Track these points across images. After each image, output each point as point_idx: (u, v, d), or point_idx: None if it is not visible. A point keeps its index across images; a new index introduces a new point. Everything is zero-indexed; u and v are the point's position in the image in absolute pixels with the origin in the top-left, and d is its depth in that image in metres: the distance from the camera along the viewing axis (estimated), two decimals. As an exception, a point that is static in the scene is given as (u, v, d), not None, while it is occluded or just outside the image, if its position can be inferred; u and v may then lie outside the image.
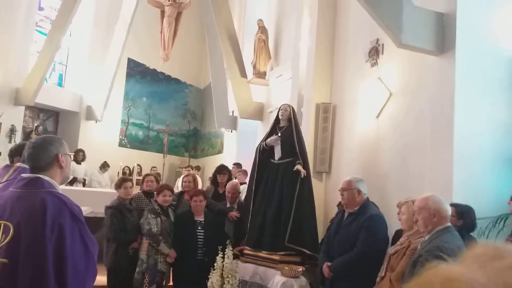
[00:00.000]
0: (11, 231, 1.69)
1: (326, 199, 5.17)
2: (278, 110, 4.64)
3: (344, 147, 5.05)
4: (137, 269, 4.13)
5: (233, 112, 9.44)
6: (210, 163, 10.95)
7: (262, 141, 4.55)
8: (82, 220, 1.79)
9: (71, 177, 8.14)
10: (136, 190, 5.18)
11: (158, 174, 8.96)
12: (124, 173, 9.29)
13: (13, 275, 1.67)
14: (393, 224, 3.42)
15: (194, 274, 4.03)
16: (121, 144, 11.10)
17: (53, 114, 10.31)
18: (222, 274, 3.73)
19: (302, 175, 4.16)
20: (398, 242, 2.80)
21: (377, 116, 4.51)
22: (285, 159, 4.32)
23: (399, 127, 4.22)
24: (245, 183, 5.69)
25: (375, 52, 4.64)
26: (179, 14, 9.85)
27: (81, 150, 9.09)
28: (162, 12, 9.80)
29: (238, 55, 8.57)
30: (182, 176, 6.37)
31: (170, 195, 4.41)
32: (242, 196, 4.98)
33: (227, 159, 9.17)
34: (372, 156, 4.56)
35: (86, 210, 5.47)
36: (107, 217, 4.33)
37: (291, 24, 7.20)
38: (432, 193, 2.51)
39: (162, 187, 4.47)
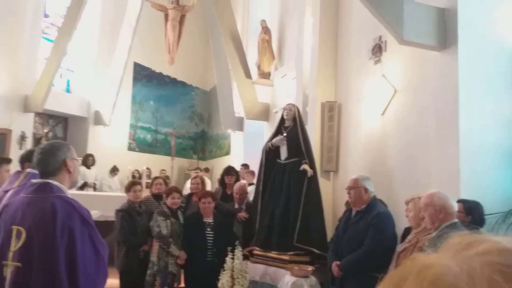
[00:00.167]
0: (23, 235, 1.73)
1: (334, 198, 5.17)
2: (283, 110, 4.65)
3: (350, 145, 5.05)
4: (148, 271, 4.18)
5: (239, 113, 9.47)
6: (218, 165, 10.99)
7: (268, 141, 4.57)
8: (91, 224, 1.83)
9: (80, 182, 8.24)
10: (145, 193, 5.23)
11: (167, 177, 9.03)
12: (133, 176, 9.36)
13: (27, 279, 1.71)
14: (402, 221, 3.42)
15: (204, 275, 4.06)
16: (130, 148, 11.19)
17: (62, 120, 10.43)
18: (232, 275, 3.75)
19: (309, 174, 4.17)
20: (406, 240, 2.81)
21: (382, 113, 4.50)
22: (291, 159, 4.33)
23: (404, 123, 4.22)
24: (253, 183, 5.71)
25: (378, 49, 4.64)
26: (182, 17, 9.91)
27: (91, 155, 9.18)
28: (166, 16, 9.87)
29: (242, 56, 8.60)
30: (190, 178, 6.41)
31: (179, 197, 4.46)
32: (250, 196, 5.00)
33: (234, 160, 9.21)
34: (378, 153, 4.56)
35: (96, 214, 5.54)
36: (117, 220, 4.39)
37: (294, 24, 7.22)
38: (437, 189, 2.51)
39: (170, 190, 4.52)
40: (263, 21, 8.30)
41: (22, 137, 8.68)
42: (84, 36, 10.35)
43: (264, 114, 8.60)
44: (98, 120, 10.34)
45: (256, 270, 4.11)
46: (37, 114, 9.38)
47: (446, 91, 3.54)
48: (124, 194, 5.10)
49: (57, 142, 2.01)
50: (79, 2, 8.52)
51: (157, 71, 11.73)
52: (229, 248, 3.82)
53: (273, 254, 4.15)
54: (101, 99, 10.30)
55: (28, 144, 8.77)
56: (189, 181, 6.86)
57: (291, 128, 4.45)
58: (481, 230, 2.86)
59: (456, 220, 2.38)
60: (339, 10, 5.50)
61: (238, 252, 3.82)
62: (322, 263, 3.93)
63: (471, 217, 2.83)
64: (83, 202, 1.94)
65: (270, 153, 4.49)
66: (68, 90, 10.44)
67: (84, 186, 8.56)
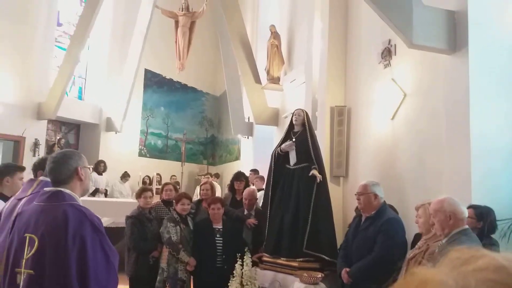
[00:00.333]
0: (36, 243, 1.76)
1: (344, 203, 5.14)
2: (291, 115, 4.65)
3: (360, 150, 5.03)
4: (158, 277, 4.19)
5: (248, 118, 9.50)
6: (228, 170, 11.01)
7: (277, 147, 4.57)
8: (102, 231, 1.86)
9: (92, 188, 8.34)
10: (155, 199, 5.27)
11: (177, 183, 9.08)
12: (144, 182, 9.44)
13: (39, 286, 1.74)
14: (413, 226, 3.38)
15: (213, 282, 4.07)
16: (140, 154, 11.29)
17: (74, 127, 10.59)
18: (241, 281, 3.75)
19: (318, 180, 4.15)
20: (416, 246, 2.78)
21: (392, 118, 4.48)
22: (300, 164, 4.32)
23: (414, 127, 4.18)
24: (263, 189, 5.71)
25: (387, 53, 4.62)
26: (192, 24, 10.02)
27: (102, 161, 9.29)
28: (176, 23, 9.98)
29: (252, 62, 8.64)
30: (200, 184, 6.45)
31: (189, 203, 4.47)
32: (260, 202, 5.00)
33: (244, 165, 9.22)
34: (388, 158, 4.53)
35: (107, 221, 5.60)
36: (128, 226, 4.43)
37: (303, 29, 7.23)
38: (448, 194, 2.49)
39: (180, 196, 4.54)
40: (272, 26, 8.33)
41: (36, 144, 8.84)
42: (96, 44, 10.51)
43: (274, 119, 8.61)
44: (109, 126, 10.47)
45: (265, 276, 4.10)
46: (50, 121, 9.55)
47: (457, 94, 3.50)
48: (135, 200, 5.14)
49: (68, 150, 2.05)
50: (91, 11, 8.67)
51: (168, 77, 11.84)
52: (238, 255, 3.82)
53: (282, 260, 4.13)
54: (112, 106, 10.43)
55: (41, 151, 8.93)
56: (199, 186, 6.90)
57: (300, 133, 4.45)
58: (492, 236, 2.82)
59: (466, 226, 2.35)
60: (348, 15, 5.50)
61: (247, 258, 3.82)
62: (332, 269, 3.91)
63: (483, 223, 2.79)
64: (95, 208, 1.98)
65: (279, 158, 4.48)
66: (80, 97, 10.60)
67: (95, 192, 8.66)
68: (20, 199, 2.22)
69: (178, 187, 7.11)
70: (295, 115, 4.55)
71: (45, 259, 1.75)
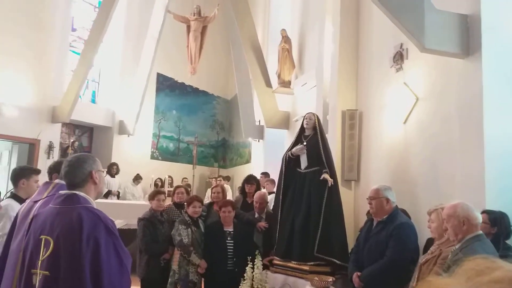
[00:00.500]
0: (51, 245, 1.80)
1: (355, 207, 5.12)
2: (302, 119, 4.65)
3: (372, 154, 5.00)
4: (169, 279, 4.23)
5: (259, 121, 9.52)
6: (239, 173, 11.05)
7: (287, 150, 4.57)
8: (116, 234, 1.88)
9: (105, 190, 8.43)
10: (167, 201, 5.31)
11: (188, 185, 9.13)
12: (156, 185, 9.52)
13: (54, 287, 1.77)
14: (426, 230, 3.35)
15: (224, 285, 4.08)
16: (152, 157, 11.39)
17: (88, 130, 10.74)
18: (252, 284, 3.76)
19: (329, 183, 4.14)
20: (429, 251, 2.75)
21: (404, 122, 4.45)
22: (311, 168, 4.32)
23: (427, 132, 4.15)
24: (274, 192, 5.71)
25: (399, 57, 4.60)
26: (204, 28, 10.10)
27: (115, 164, 9.40)
28: (188, 27, 10.08)
29: (263, 65, 8.67)
30: (211, 187, 6.47)
31: (200, 206, 4.50)
32: (270, 205, 5.00)
33: (255, 168, 9.24)
34: (401, 162, 4.50)
35: (121, 224, 5.67)
36: (140, 228, 4.47)
37: (314, 33, 7.24)
38: (461, 198, 2.46)
39: (192, 199, 4.58)
40: (283, 30, 8.36)
41: (50, 147, 8.99)
42: (109, 49, 10.67)
43: (285, 122, 8.62)
44: (122, 129, 10.59)
45: (276, 280, 4.10)
46: (64, 124, 9.70)
47: (470, 98, 3.47)
48: (147, 203, 5.19)
49: (83, 154, 2.08)
50: (104, 16, 8.81)
51: (180, 81, 11.95)
52: (249, 258, 3.83)
53: (293, 264, 4.13)
54: (125, 109, 10.56)
55: (55, 154, 9.07)
56: (210, 189, 6.94)
57: (311, 137, 4.44)
58: (507, 242, 2.78)
59: (480, 232, 2.32)
60: (359, 18, 5.49)
61: (258, 261, 3.82)
62: (343, 273, 3.89)
63: (497, 229, 2.75)
64: (107, 210, 2.01)
65: (290, 162, 4.48)
66: (93, 101, 10.75)
67: (108, 194, 8.75)
68: (36, 202, 2.27)
69: (189, 189, 7.15)
70: (306, 118, 4.55)
71: (60, 260, 1.78)
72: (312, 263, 4.04)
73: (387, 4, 3.53)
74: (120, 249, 1.86)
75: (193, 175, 10.25)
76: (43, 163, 8.18)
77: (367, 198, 3.50)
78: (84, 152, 9.57)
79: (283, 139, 8.53)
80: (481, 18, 3.43)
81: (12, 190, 3.36)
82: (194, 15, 10.02)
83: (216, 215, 4.61)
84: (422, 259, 2.76)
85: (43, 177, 3.15)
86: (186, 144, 12.09)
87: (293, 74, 8.37)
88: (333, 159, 4.50)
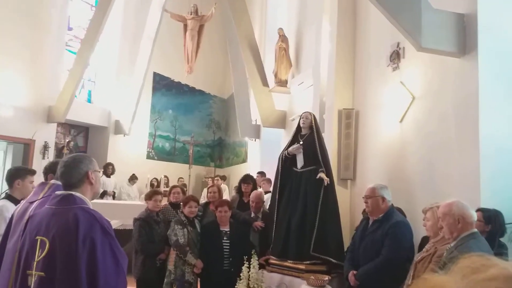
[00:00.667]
0: (47, 245, 1.79)
1: (351, 206, 5.13)
2: (299, 118, 4.66)
3: (368, 153, 5.01)
4: (165, 280, 4.22)
5: (256, 121, 9.52)
6: (235, 172, 11.05)
7: (284, 149, 4.58)
8: (112, 234, 1.88)
9: (100, 191, 8.41)
10: (163, 201, 5.30)
11: (184, 185, 9.12)
12: (152, 185, 9.50)
13: None
14: (421, 230, 3.36)
15: (220, 284, 4.08)
16: (148, 157, 11.37)
17: (83, 130, 10.70)
18: (248, 284, 3.75)
19: (326, 183, 4.15)
20: (424, 249, 2.76)
21: (401, 121, 4.46)
22: (307, 167, 4.32)
23: (423, 130, 4.16)
24: (270, 191, 5.72)
25: (396, 56, 4.61)
26: (201, 27, 10.08)
27: (110, 164, 9.37)
28: (185, 26, 10.06)
29: (260, 65, 8.66)
30: (207, 187, 6.47)
31: (196, 206, 4.50)
32: (267, 205, 5.01)
33: (251, 168, 9.24)
34: (397, 161, 4.51)
35: (116, 223, 5.65)
36: (135, 229, 4.46)
37: (311, 32, 7.24)
38: (457, 197, 2.48)
39: (188, 199, 4.57)
40: (280, 29, 8.36)
41: (45, 147, 8.94)
42: (106, 48, 10.63)
43: (281, 121, 8.62)
44: (118, 129, 10.56)
45: (272, 279, 4.10)
46: (60, 124, 9.65)
47: (467, 97, 3.49)
48: (143, 203, 5.17)
49: (79, 155, 2.07)
50: (101, 15, 8.78)
51: (176, 80, 11.93)
52: (245, 257, 3.83)
53: (289, 263, 4.13)
54: (121, 109, 10.52)
55: (51, 154, 9.02)
56: (206, 189, 6.93)
57: (308, 136, 4.45)
58: (501, 240, 2.80)
59: (475, 230, 2.33)
60: (356, 18, 5.49)
61: (254, 261, 3.82)
62: (339, 272, 3.90)
63: (491, 227, 2.76)
64: (102, 210, 2.00)
65: (287, 161, 4.49)
66: (89, 101, 10.71)
67: (103, 194, 8.73)
68: (32, 202, 2.26)
69: (185, 189, 7.14)
70: (302, 118, 4.55)
71: (56, 261, 1.77)
72: (308, 262, 4.05)
73: (384, 3, 3.54)
74: (116, 249, 1.85)
75: (189, 175, 10.24)
76: (38, 164, 8.14)
77: (363, 197, 3.51)
78: (79, 152, 9.54)
79: (280, 139, 8.53)
80: (477, 17, 3.45)
81: (6, 191, 3.33)
82: (191, 14, 9.99)
83: (212, 215, 4.60)
84: (417, 257, 2.77)
85: (38, 178, 3.13)
86: (182, 143, 12.07)
87: (289, 73, 8.37)
88: (329, 158, 4.52)
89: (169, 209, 4.92)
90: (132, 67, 10.36)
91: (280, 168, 4.52)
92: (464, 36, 3.54)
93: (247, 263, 3.81)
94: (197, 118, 12.58)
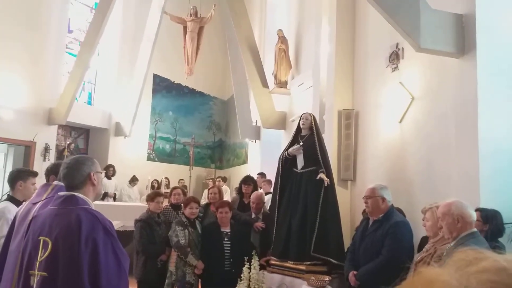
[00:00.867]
0: (50, 246, 1.81)
1: (351, 206, 5.14)
2: (299, 119, 4.67)
3: (368, 154, 5.03)
4: (166, 281, 4.23)
5: (256, 122, 9.54)
6: (236, 174, 11.06)
7: (284, 150, 4.59)
8: (114, 235, 1.89)
9: (103, 192, 8.42)
10: (164, 203, 5.31)
11: (185, 186, 9.12)
12: (152, 186, 9.50)
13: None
14: (421, 230, 3.38)
15: (221, 285, 4.09)
16: (149, 158, 11.38)
17: (84, 132, 10.71)
18: (249, 284, 3.77)
19: (326, 183, 4.16)
20: (423, 249, 2.77)
21: (400, 121, 4.48)
22: (307, 168, 4.34)
23: (422, 131, 4.18)
24: (270, 192, 5.73)
25: (395, 57, 4.63)
26: (201, 29, 10.10)
27: (111, 166, 9.38)
28: (185, 28, 10.08)
29: (259, 66, 8.69)
30: (208, 188, 6.48)
31: (197, 207, 4.51)
32: (267, 206, 5.02)
33: (251, 169, 9.25)
34: (397, 161, 4.53)
35: (117, 225, 5.66)
36: (137, 230, 4.47)
37: (310, 33, 7.26)
38: (456, 197, 2.49)
39: (188, 200, 4.58)
40: (280, 30, 8.38)
41: (46, 149, 8.96)
42: (106, 50, 10.65)
43: (281, 123, 8.64)
44: (118, 131, 10.57)
45: (273, 280, 4.11)
46: (60, 126, 9.68)
47: (466, 97, 3.50)
48: (143, 204, 5.19)
49: (81, 156, 2.09)
50: (101, 18, 8.80)
51: (176, 82, 11.95)
52: (246, 258, 3.84)
53: (289, 264, 4.14)
54: (121, 111, 10.54)
55: (51, 156, 9.04)
56: (207, 190, 6.95)
57: (308, 137, 4.46)
58: (499, 240, 2.81)
59: (474, 229, 2.35)
60: (355, 19, 5.52)
61: (255, 261, 3.83)
62: (339, 273, 3.91)
63: (489, 226, 2.78)
64: (103, 212, 2.01)
65: (287, 162, 4.50)
66: (89, 103, 10.73)
67: (104, 196, 8.74)
68: (35, 203, 2.27)
69: (186, 190, 7.15)
70: (302, 119, 4.57)
71: (59, 261, 1.78)
72: (308, 262, 4.06)
73: (383, 4, 3.56)
74: (118, 250, 1.87)
75: (190, 176, 10.25)
76: (39, 166, 8.16)
77: (363, 197, 3.52)
78: (80, 154, 9.55)
79: (280, 140, 8.54)
80: (476, 17, 3.46)
81: (8, 193, 3.35)
82: (190, 16, 10.02)
83: (213, 216, 4.62)
84: (417, 257, 2.78)
85: (40, 180, 3.15)
86: (182, 145, 12.09)
87: (289, 74, 8.39)
88: (330, 158, 4.53)
89: (170, 210, 4.93)
90: (132, 69, 10.38)
91: (280, 169, 4.54)
92: (462, 37, 3.56)
93: (248, 264, 3.82)
94: (198, 120, 12.60)
